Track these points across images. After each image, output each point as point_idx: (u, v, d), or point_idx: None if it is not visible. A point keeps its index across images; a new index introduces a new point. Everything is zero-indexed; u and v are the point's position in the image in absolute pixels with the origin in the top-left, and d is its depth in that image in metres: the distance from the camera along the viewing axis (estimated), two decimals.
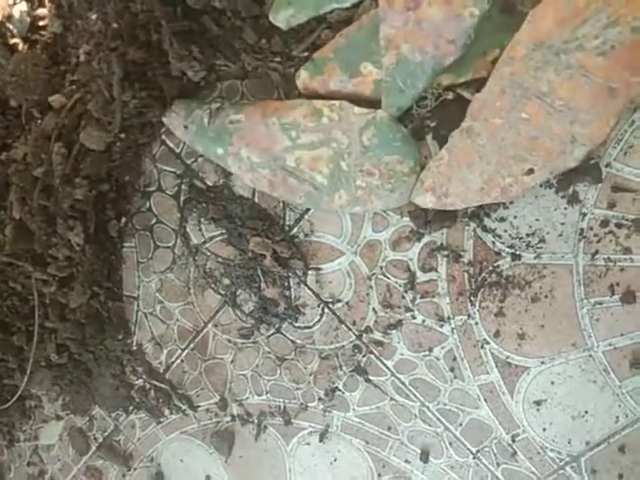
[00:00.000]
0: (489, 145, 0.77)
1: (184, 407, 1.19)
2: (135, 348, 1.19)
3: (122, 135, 0.98)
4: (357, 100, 0.84)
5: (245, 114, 0.90)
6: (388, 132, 0.83)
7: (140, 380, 1.21)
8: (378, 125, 0.83)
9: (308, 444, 1.11)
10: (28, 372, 1.20)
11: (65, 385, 1.26)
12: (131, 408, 1.25)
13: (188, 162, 1.01)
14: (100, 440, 1.32)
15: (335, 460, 1.10)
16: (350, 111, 0.83)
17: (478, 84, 0.77)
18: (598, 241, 0.80)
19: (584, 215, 0.80)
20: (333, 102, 0.84)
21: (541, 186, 0.81)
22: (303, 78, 0.85)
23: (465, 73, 0.78)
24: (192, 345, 1.13)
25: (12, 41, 1.06)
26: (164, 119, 0.95)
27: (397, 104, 0.82)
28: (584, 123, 0.72)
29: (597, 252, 0.81)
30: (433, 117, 0.83)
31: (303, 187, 0.88)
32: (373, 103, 0.83)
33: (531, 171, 0.76)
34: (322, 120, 0.85)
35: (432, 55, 0.76)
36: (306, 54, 0.85)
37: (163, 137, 1.01)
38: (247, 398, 1.13)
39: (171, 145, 1.01)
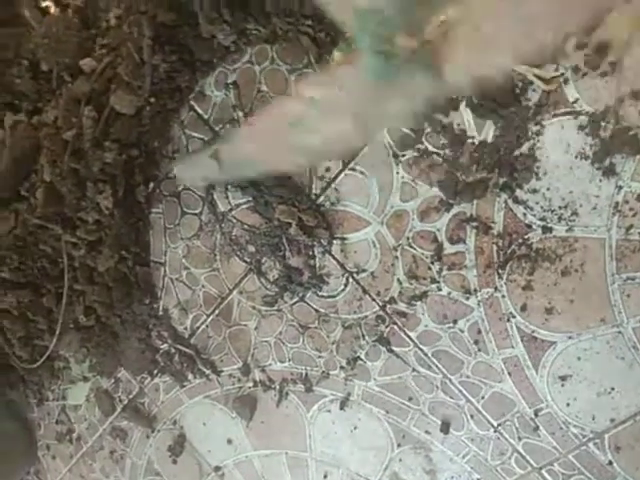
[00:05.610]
0: None
1: (208, 372, 1.21)
2: (161, 313, 1.21)
3: (152, 99, 0.98)
4: None
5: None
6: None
7: (165, 344, 1.23)
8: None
9: (329, 411, 1.12)
10: (57, 333, 1.23)
11: (92, 347, 1.29)
12: (156, 371, 1.28)
13: (216, 128, 1.01)
14: (125, 402, 1.35)
15: (355, 428, 1.11)
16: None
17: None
18: (633, 215, 0.78)
19: (620, 188, 0.78)
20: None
21: (576, 157, 0.79)
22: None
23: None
24: (217, 311, 1.15)
25: (44, 4, 1.07)
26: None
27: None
28: None
29: (632, 226, 0.79)
30: None
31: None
32: None
33: None
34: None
35: None
36: None
37: (192, 102, 1.01)
38: (270, 364, 1.14)
39: (199, 111, 1.01)
